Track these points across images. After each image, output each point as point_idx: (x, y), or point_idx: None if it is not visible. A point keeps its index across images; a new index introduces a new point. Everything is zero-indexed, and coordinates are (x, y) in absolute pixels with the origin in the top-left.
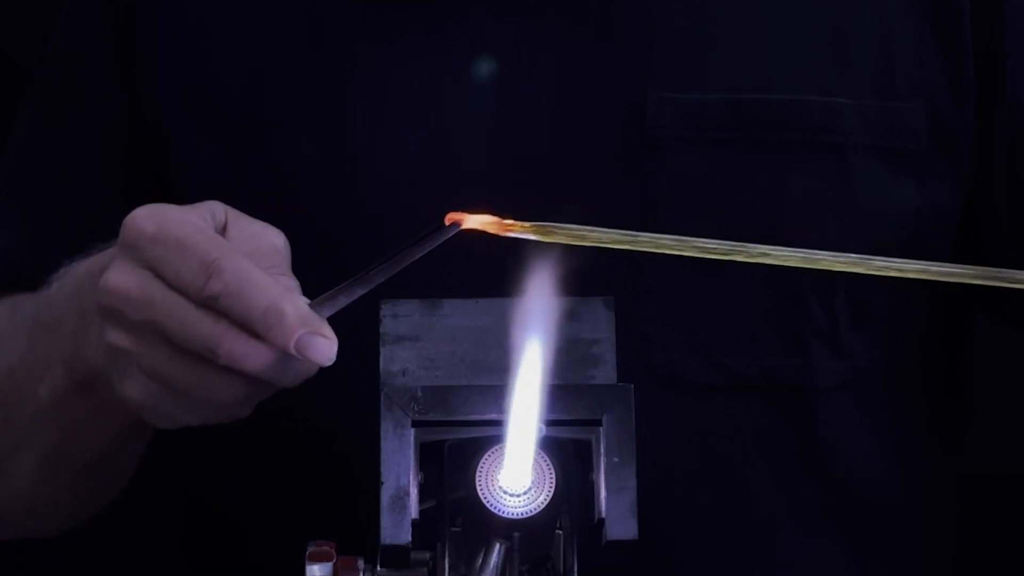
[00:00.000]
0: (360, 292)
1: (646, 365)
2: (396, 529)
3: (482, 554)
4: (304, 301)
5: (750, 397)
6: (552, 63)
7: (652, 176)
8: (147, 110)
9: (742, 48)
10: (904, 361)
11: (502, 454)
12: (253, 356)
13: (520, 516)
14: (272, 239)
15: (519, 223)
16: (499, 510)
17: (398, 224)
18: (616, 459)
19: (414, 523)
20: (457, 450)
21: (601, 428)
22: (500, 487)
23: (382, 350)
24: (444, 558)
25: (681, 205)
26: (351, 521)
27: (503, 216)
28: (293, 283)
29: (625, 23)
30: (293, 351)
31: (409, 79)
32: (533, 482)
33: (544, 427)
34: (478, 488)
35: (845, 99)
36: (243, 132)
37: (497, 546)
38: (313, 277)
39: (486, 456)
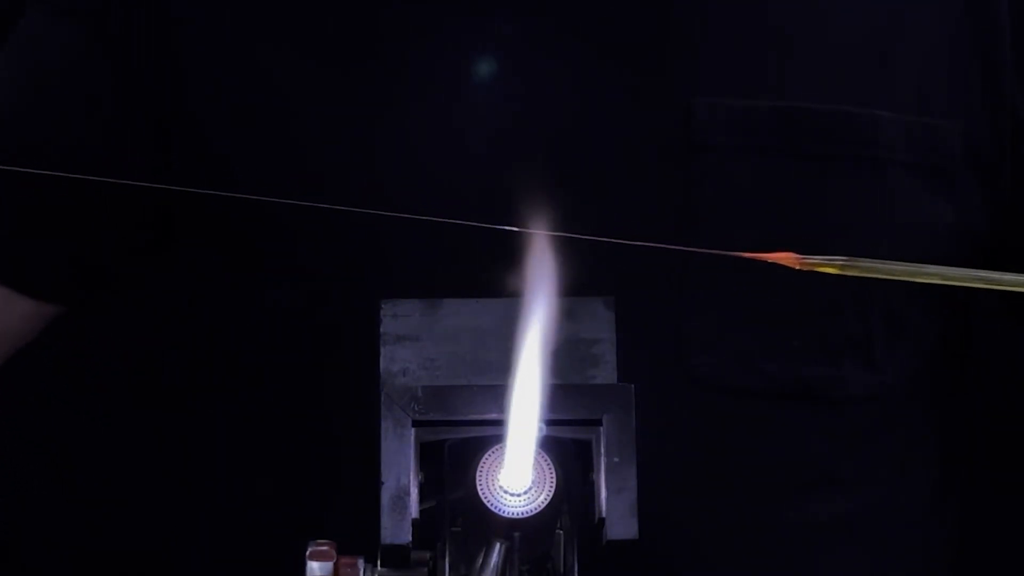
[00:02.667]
0: None
1: (685, 366)
2: (396, 529)
3: (482, 554)
4: None
5: (780, 403)
6: (578, 64)
7: (695, 181)
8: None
9: (789, 56)
10: (928, 376)
11: (502, 454)
12: None
13: (520, 516)
14: None
15: (818, 258)
16: (499, 510)
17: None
18: (616, 459)
19: (414, 523)
20: (457, 450)
21: (601, 428)
22: (500, 487)
23: (382, 350)
24: (444, 558)
25: (722, 211)
26: (351, 521)
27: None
28: None
29: (671, 28)
30: None
31: (424, 76)
32: (533, 482)
33: (544, 427)
34: (478, 488)
35: (887, 113)
36: (261, 113)
37: (497, 546)
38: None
39: (486, 456)
